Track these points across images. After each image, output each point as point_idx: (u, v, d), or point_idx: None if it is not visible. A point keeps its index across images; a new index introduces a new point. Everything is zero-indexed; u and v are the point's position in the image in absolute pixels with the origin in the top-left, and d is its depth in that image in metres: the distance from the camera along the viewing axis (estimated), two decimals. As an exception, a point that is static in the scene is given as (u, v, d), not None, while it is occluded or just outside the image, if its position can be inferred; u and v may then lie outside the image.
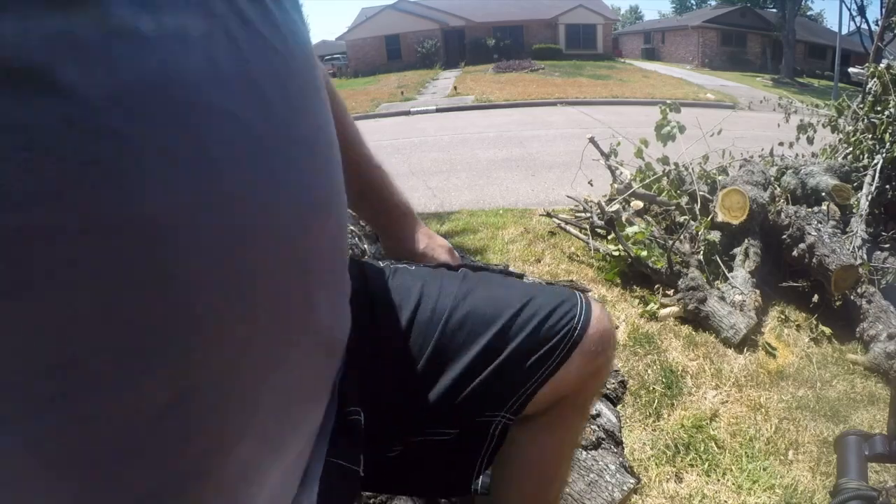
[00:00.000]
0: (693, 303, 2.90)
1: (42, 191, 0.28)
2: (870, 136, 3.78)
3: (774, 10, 28.91)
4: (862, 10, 21.32)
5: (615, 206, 3.90)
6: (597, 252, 3.73)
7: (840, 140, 4.14)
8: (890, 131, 3.57)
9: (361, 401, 0.63)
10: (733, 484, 1.89)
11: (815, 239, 2.99)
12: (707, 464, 1.98)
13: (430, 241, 0.92)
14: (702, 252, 3.27)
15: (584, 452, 1.50)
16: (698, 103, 13.79)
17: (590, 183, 4.58)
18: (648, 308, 3.06)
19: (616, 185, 4.40)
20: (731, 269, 3.17)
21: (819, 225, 3.08)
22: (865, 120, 3.88)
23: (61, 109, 0.28)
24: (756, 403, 2.31)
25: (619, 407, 1.83)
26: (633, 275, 3.42)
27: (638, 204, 3.99)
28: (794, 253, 3.10)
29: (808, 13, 37.84)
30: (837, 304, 2.93)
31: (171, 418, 0.35)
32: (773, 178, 3.70)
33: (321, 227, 0.45)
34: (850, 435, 0.90)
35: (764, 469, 1.95)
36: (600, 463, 1.48)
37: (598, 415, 1.63)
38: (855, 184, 3.58)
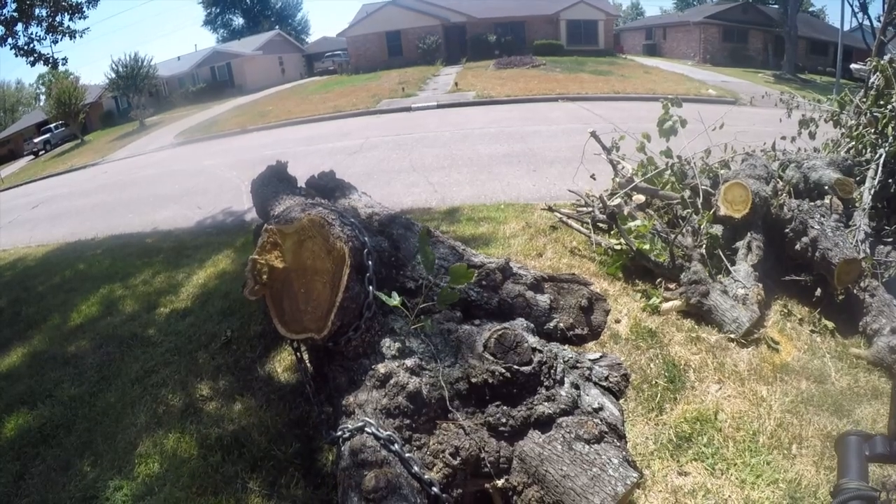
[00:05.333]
0: (696, 297, 2.89)
1: None
2: (872, 130, 3.75)
3: (776, 7, 28.78)
4: (864, 6, 21.28)
5: (617, 201, 3.88)
6: (598, 246, 3.71)
7: (842, 134, 4.11)
8: (892, 125, 3.55)
9: None
10: (737, 478, 1.88)
11: (818, 233, 2.97)
12: (710, 458, 1.97)
13: None
14: (704, 246, 3.25)
15: (587, 446, 1.49)
16: (700, 99, 13.75)
17: (592, 177, 4.56)
18: (651, 302, 3.05)
19: (618, 180, 4.38)
20: (733, 263, 3.15)
21: (822, 219, 3.05)
22: (868, 114, 3.85)
23: None
24: (759, 397, 2.29)
25: (621, 401, 1.82)
26: (635, 269, 3.41)
27: (640, 198, 3.97)
28: (797, 247, 3.08)
29: (810, 9, 37.66)
30: (840, 298, 2.91)
31: None
32: (775, 173, 3.67)
33: None
34: (851, 435, 0.89)
35: (767, 463, 1.93)
36: (603, 457, 1.46)
37: (601, 408, 1.62)
38: (858, 178, 3.55)
